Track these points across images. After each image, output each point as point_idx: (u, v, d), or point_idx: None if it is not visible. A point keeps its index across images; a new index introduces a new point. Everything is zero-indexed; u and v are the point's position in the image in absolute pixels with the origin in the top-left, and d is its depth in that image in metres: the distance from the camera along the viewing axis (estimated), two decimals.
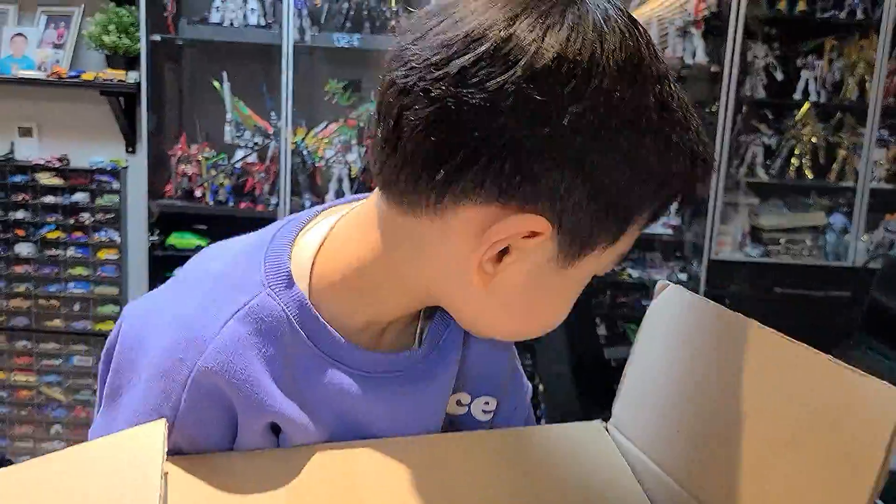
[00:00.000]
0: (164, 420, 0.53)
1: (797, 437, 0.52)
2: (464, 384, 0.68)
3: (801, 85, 2.82)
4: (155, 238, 2.86)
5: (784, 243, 2.86)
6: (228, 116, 2.88)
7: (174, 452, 0.55)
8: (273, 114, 2.85)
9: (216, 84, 2.85)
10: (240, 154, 2.89)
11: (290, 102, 2.75)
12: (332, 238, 0.59)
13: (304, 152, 2.85)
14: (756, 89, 2.81)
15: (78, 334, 3.18)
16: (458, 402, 0.69)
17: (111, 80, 2.87)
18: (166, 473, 0.52)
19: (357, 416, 0.60)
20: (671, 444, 0.61)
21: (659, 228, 2.82)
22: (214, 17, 2.81)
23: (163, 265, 2.92)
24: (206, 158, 2.89)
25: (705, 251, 2.80)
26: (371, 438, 0.60)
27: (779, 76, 2.81)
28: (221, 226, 2.93)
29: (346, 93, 2.89)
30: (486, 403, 0.70)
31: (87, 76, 2.86)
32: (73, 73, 2.88)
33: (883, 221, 2.86)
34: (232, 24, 2.80)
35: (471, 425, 0.70)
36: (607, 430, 0.68)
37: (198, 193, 2.91)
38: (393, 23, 2.81)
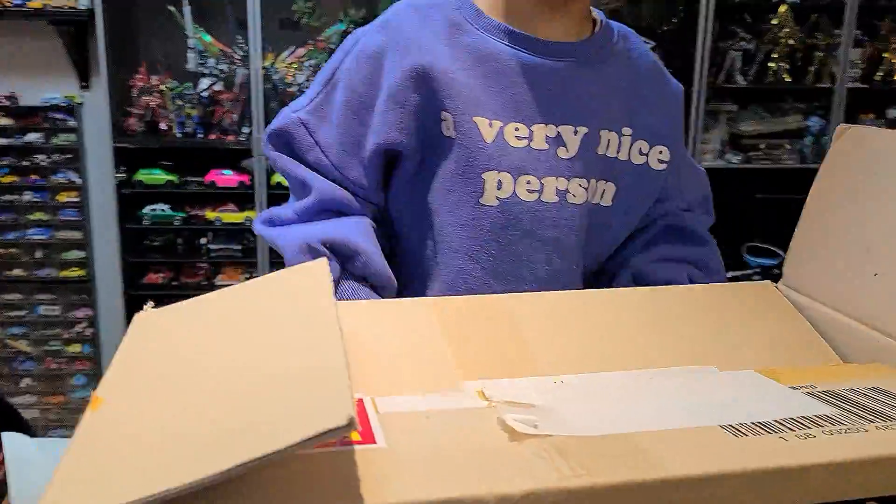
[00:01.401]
0: (325, 260, 0.53)
1: None
2: (642, 131, 0.78)
3: None
4: (121, 175, 2.71)
5: (764, 149, 2.87)
6: (191, 43, 2.72)
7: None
8: (239, 38, 2.70)
9: (173, 9, 2.69)
10: (205, 83, 2.74)
11: (258, 27, 2.61)
12: None
13: (275, 78, 2.72)
14: None
15: (42, 282, 3.04)
16: (640, 151, 0.79)
17: (61, 8, 2.68)
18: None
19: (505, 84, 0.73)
20: (864, 291, 0.57)
21: None
22: None
23: (131, 204, 2.78)
24: (170, 89, 2.73)
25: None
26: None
27: None
28: (191, 159, 2.80)
29: (314, 14, 2.75)
30: (661, 153, 0.80)
31: (35, 4, 2.66)
32: (17, 2, 2.68)
33: (859, 120, 2.88)
34: None
35: (650, 176, 0.80)
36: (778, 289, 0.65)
37: (163, 126, 2.76)
38: None
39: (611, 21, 0.81)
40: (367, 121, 0.73)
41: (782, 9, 2.76)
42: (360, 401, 0.43)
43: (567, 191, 0.74)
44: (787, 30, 2.78)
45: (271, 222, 0.77)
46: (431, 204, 0.74)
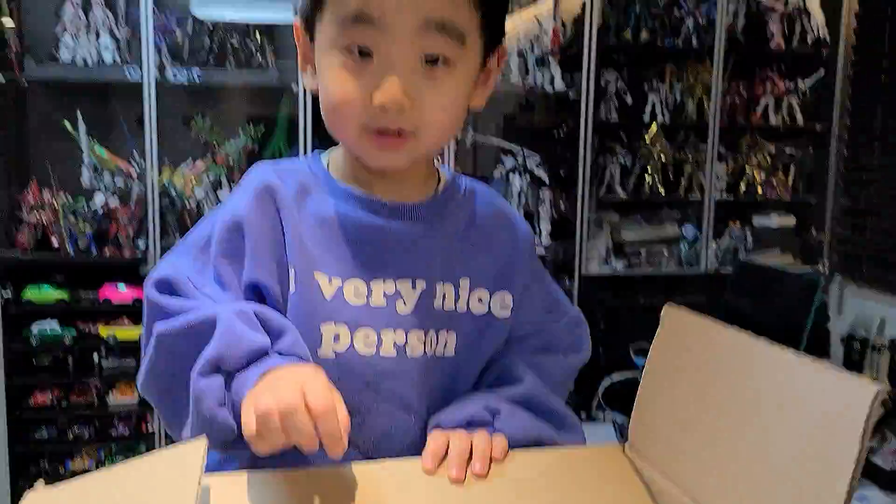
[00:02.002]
0: (204, 440, 0.57)
1: (791, 443, 0.57)
2: (481, 279, 0.82)
3: (648, 107, 3.04)
4: (7, 294, 2.63)
5: (644, 255, 3.07)
6: (85, 159, 2.71)
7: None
8: (135, 153, 2.72)
9: (68, 125, 2.68)
10: (100, 198, 2.73)
11: (154, 141, 2.64)
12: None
13: (173, 192, 2.74)
14: (609, 113, 3.01)
15: None
16: (479, 300, 0.82)
17: None
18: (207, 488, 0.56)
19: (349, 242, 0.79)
20: (690, 463, 0.65)
21: None
22: (65, 56, 2.64)
23: (19, 321, 2.69)
24: (63, 205, 2.70)
25: (576, 267, 2.95)
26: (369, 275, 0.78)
27: (629, 100, 3.02)
28: (83, 274, 2.75)
29: (214, 129, 2.81)
30: (504, 299, 0.83)
31: None
32: None
33: (727, 229, 3.13)
34: (85, 62, 2.64)
35: (494, 324, 0.83)
36: (625, 452, 0.73)
37: (55, 242, 2.71)
38: (260, 59, 2.77)
39: (461, 176, 0.87)
40: (238, 267, 0.75)
41: (653, 128, 3.01)
42: None
43: (406, 343, 0.77)
44: (659, 147, 3.02)
45: (172, 291, 0.74)
46: None
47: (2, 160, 2.65)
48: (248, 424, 0.61)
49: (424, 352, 0.78)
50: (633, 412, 0.75)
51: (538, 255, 0.92)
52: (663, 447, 0.69)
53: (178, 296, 0.74)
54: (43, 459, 2.81)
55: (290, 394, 0.60)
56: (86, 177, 2.72)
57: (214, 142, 2.80)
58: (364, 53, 0.71)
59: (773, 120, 3.13)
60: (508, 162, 2.96)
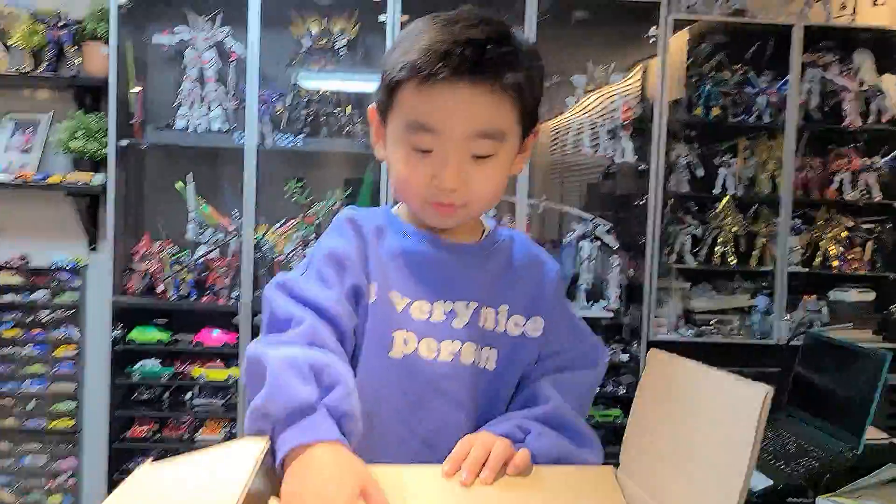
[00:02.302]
0: (265, 440, 0.70)
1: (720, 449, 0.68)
2: (517, 307, 0.99)
3: (719, 180, 3.12)
4: (118, 332, 2.93)
5: (714, 324, 3.10)
6: (192, 215, 3.02)
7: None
8: (235, 211, 3.00)
9: (180, 185, 3.00)
10: (202, 251, 3.02)
11: (252, 201, 2.91)
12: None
13: (265, 247, 3.00)
14: (680, 184, 3.10)
15: (31, 433, 3.18)
16: (516, 324, 1.00)
17: (75, 183, 2.99)
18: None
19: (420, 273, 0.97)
20: (678, 490, 0.74)
21: (601, 312, 3.03)
22: (179, 124, 2.98)
23: (123, 360, 2.98)
24: (169, 255, 3.00)
25: (643, 333, 3.01)
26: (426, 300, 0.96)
27: (699, 172, 3.11)
28: (182, 319, 3.03)
29: (304, 192, 3.07)
30: (535, 322, 1.00)
31: (54, 179, 2.98)
32: (38, 177, 3.00)
33: (801, 302, 3.12)
34: (197, 129, 2.97)
35: (526, 344, 0.99)
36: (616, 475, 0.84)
37: (159, 289, 3.01)
38: (348, 127, 3.03)
39: (502, 227, 1.07)
40: (343, 273, 0.92)
41: (725, 199, 3.08)
42: None
43: (459, 353, 0.94)
44: (730, 218, 3.08)
45: (291, 293, 0.89)
46: (357, 356, 0.93)
47: (122, 215, 2.97)
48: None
49: (474, 361, 0.95)
50: (624, 438, 0.86)
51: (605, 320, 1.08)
52: (650, 473, 0.79)
53: (291, 297, 0.89)
54: None
55: (328, 491, 0.69)
56: (191, 231, 3.03)
57: (305, 203, 3.06)
58: (425, 150, 0.91)
59: (850, 195, 3.14)
60: (579, 228, 3.09)
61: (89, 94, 3.08)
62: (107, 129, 2.93)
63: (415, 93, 0.89)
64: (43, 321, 3.15)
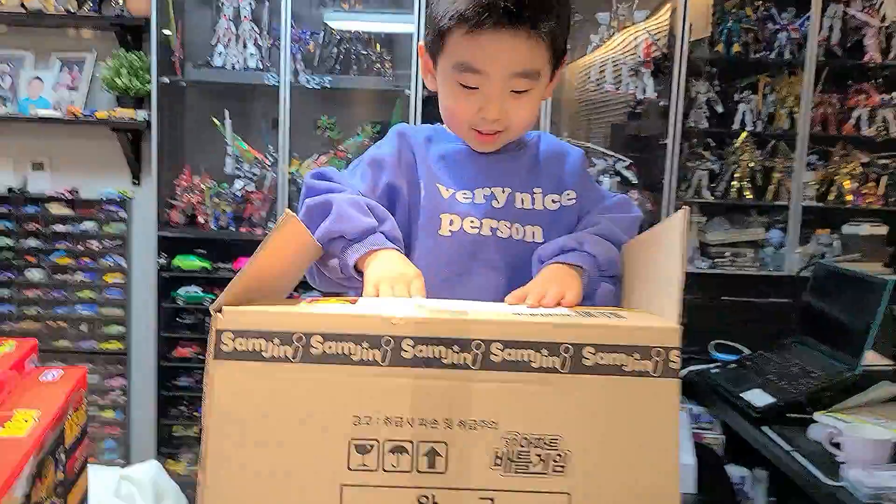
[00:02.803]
0: None
1: None
2: (549, 187, 1.15)
3: (738, 117, 3.20)
4: (162, 261, 3.13)
5: (729, 256, 3.22)
6: (229, 150, 3.18)
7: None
8: (270, 147, 3.16)
9: (217, 122, 3.16)
10: (239, 184, 3.19)
11: (287, 137, 3.06)
12: None
13: (299, 181, 3.15)
14: (700, 121, 3.19)
15: (84, 353, 3.42)
16: (553, 200, 1.16)
17: (122, 119, 3.16)
18: None
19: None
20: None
21: None
22: (217, 62, 3.12)
23: (168, 285, 3.19)
24: (209, 188, 3.17)
25: None
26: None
27: (719, 109, 3.19)
28: (221, 249, 3.22)
29: (336, 128, 3.21)
30: (569, 195, 1.17)
31: (101, 115, 3.15)
32: (86, 112, 3.17)
33: (814, 236, 3.23)
34: (234, 67, 3.11)
35: (566, 212, 1.16)
36: None
37: (200, 220, 3.19)
38: (377, 66, 3.15)
39: (531, 131, 1.22)
40: (380, 174, 1.13)
41: (742, 135, 3.16)
42: None
43: (497, 228, 1.11)
44: (748, 154, 3.17)
45: (323, 179, 1.10)
46: (410, 234, 1.12)
47: (164, 150, 3.14)
48: (370, 282, 0.95)
49: (510, 236, 1.13)
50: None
51: None
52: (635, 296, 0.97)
53: (330, 181, 1.09)
54: (183, 403, 3.30)
55: (397, 269, 0.97)
56: (229, 165, 3.19)
57: (337, 138, 3.20)
58: (471, 87, 1.06)
59: (867, 131, 3.20)
60: (600, 164, 3.20)
61: (130, 34, 3.22)
62: (149, 67, 3.08)
63: (462, 39, 1.02)
64: (92, 250, 3.35)
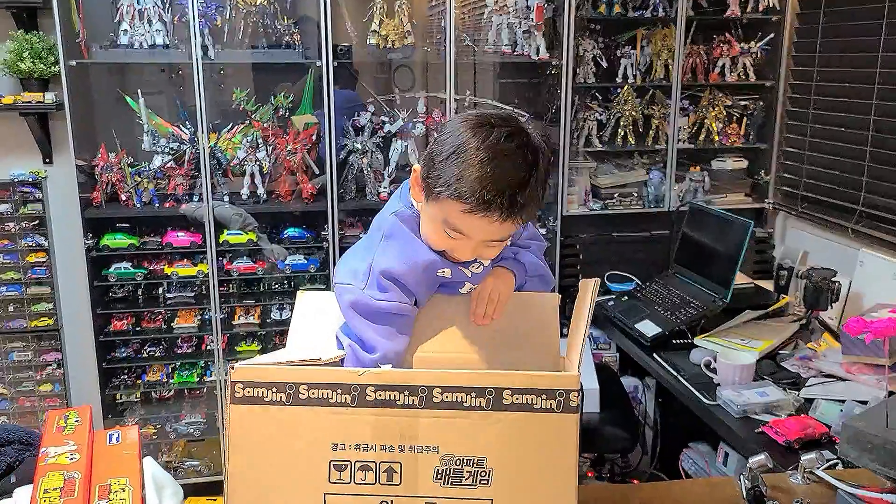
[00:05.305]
0: None
1: None
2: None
3: (621, 70, 3.54)
4: (90, 242, 3.21)
5: (617, 197, 3.62)
6: (145, 127, 3.24)
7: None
8: (188, 123, 3.24)
9: (130, 100, 3.20)
10: (158, 160, 3.27)
11: (204, 113, 3.15)
12: None
13: (219, 154, 3.27)
14: (588, 76, 3.50)
15: (14, 333, 3.49)
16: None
17: (30, 103, 3.15)
18: None
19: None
20: None
21: None
22: (123, 40, 3.13)
23: (99, 263, 3.28)
24: (129, 167, 3.24)
25: (558, 208, 3.50)
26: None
27: (604, 64, 3.52)
28: (148, 223, 3.33)
29: (251, 99, 3.32)
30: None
31: (7, 100, 3.12)
32: None
33: (688, 173, 3.67)
34: (141, 45, 3.13)
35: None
36: None
37: (123, 197, 3.27)
38: (286, 38, 3.25)
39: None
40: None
41: (625, 88, 3.51)
42: None
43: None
44: (630, 104, 3.53)
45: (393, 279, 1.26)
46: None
47: (78, 131, 3.14)
48: None
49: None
50: None
51: None
52: None
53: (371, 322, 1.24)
54: (124, 373, 3.45)
55: None
56: (146, 142, 3.26)
57: (252, 110, 3.32)
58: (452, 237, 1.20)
59: (729, 77, 3.62)
60: None
61: (27, 13, 3.16)
62: (51, 48, 3.06)
63: (456, 210, 1.13)
64: (10, 232, 3.37)
